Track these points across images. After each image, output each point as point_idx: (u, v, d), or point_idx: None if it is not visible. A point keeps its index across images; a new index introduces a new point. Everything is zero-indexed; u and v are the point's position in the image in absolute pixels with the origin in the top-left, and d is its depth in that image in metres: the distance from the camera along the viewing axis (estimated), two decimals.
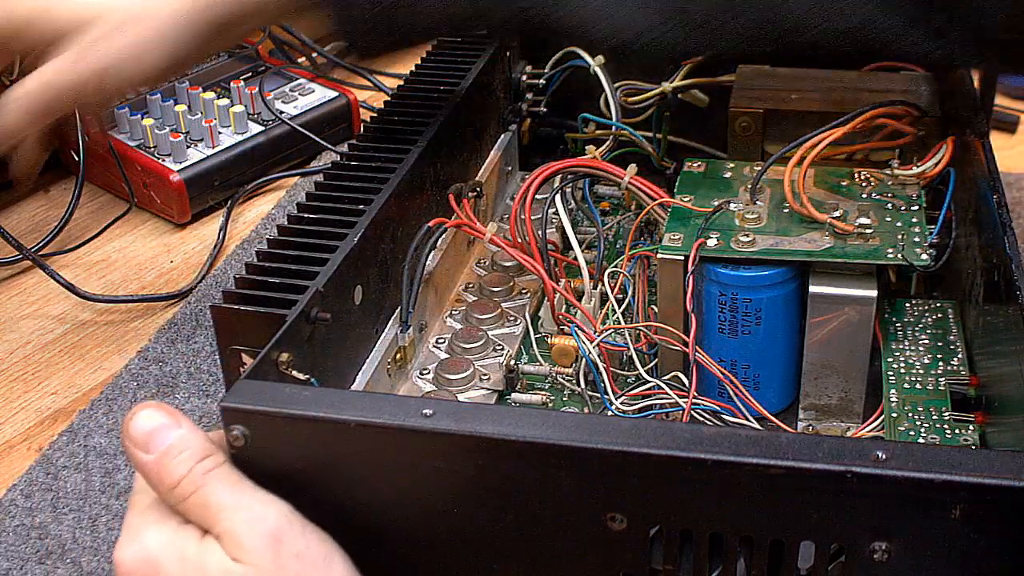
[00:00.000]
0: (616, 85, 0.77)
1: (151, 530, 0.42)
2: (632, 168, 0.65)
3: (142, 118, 0.88)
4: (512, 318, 0.67)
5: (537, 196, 0.64)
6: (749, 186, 0.63)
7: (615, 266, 0.67)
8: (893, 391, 0.58)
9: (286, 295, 0.51)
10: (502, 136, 0.79)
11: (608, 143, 0.75)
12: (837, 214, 0.59)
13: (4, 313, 0.77)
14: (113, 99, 0.62)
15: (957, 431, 0.55)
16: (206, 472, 0.42)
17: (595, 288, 0.65)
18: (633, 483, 0.40)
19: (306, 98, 0.95)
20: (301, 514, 0.42)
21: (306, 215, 0.58)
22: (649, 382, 0.60)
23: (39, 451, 0.65)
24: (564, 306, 0.64)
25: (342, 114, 0.95)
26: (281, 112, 0.93)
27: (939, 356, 0.60)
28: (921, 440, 0.55)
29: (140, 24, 0.59)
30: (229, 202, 0.88)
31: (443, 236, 0.65)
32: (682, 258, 0.58)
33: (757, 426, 0.58)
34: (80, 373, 0.71)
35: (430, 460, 0.41)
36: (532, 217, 0.64)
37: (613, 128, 0.75)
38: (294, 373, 0.48)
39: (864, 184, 0.64)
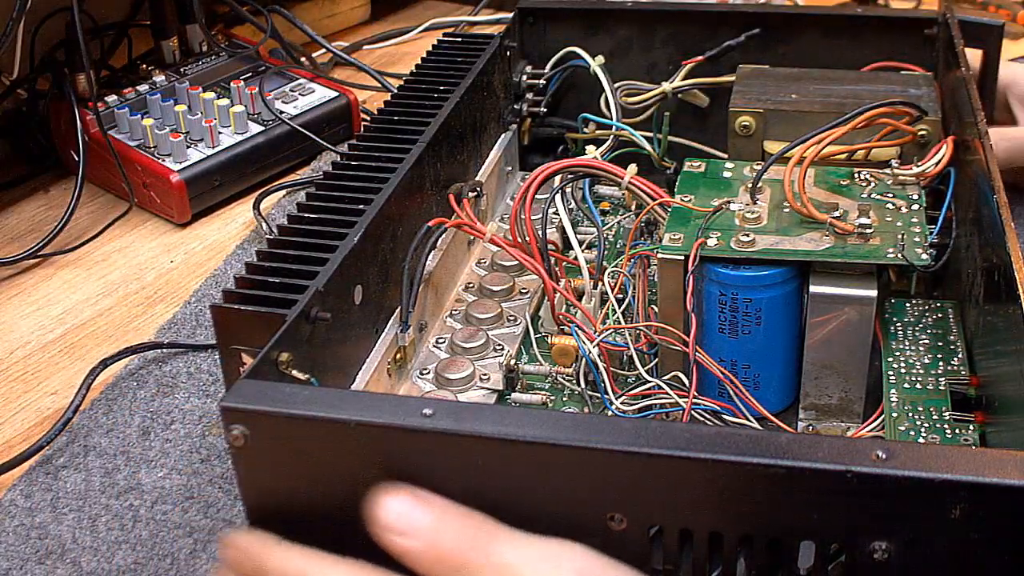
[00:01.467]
0: (616, 85, 0.77)
1: None
2: (632, 168, 0.65)
3: (142, 118, 0.88)
4: (512, 318, 0.67)
5: (537, 196, 0.64)
6: (749, 186, 0.63)
7: (615, 266, 0.67)
8: (893, 391, 0.58)
9: (286, 295, 0.51)
10: (502, 136, 0.79)
11: (608, 143, 0.75)
12: (837, 214, 0.59)
13: (4, 313, 0.77)
14: None
15: (957, 431, 0.55)
16: (490, 535, 0.39)
17: (595, 288, 0.65)
18: (633, 483, 0.40)
19: (306, 98, 0.95)
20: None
21: (306, 215, 0.58)
22: (649, 382, 0.60)
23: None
24: (564, 306, 0.64)
25: (342, 114, 0.95)
26: (281, 112, 0.93)
27: (939, 356, 0.60)
28: (921, 440, 0.55)
29: None
30: (256, 198, 0.88)
31: (443, 236, 0.65)
32: (682, 258, 0.58)
33: (757, 426, 0.58)
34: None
35: (430, 460, 0.41)
36: (532, 217, 0.64)
37: (613, 128, 0.75)
38: (294, 373, 0.48)
39: (864, 184, 0.64)
